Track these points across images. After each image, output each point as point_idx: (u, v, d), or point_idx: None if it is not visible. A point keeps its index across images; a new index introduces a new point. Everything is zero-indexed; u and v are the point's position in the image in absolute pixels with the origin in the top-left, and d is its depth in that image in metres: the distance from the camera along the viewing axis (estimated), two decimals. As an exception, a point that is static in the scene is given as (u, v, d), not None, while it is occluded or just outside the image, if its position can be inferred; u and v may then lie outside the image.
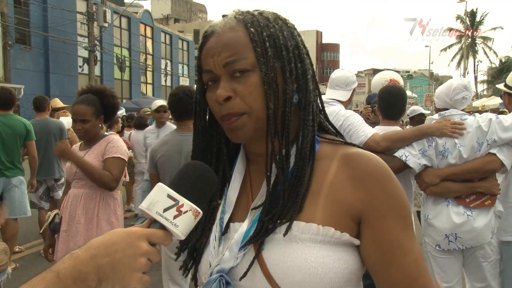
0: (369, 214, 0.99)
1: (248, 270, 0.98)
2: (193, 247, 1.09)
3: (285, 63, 1.03)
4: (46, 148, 6.46)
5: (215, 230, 1.07)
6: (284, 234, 0.96)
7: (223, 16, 1.09)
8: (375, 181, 1.00)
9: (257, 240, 0.99)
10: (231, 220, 1.07)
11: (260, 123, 1.02)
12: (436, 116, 3.30)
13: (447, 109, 3.27)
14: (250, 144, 1.10)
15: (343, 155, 1.05)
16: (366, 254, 1.01)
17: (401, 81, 5.16)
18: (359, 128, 3.42)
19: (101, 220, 3.38)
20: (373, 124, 4.07)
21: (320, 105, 1.14)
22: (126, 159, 3.52)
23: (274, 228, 0.98)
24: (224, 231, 1.06)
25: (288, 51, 1.04)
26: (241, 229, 1.02)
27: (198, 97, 1.12)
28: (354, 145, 1.11)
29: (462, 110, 3.28)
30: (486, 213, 3.08)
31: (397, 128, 3.60)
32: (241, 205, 1.09)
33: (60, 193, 6.66)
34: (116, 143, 3.48)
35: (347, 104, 3.96)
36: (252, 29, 1.02)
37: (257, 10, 1.09)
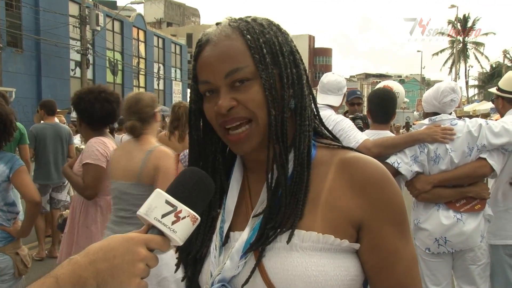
0: (369, 221, 0.99)
1: (249, 278, 0.98)
2: (193, 257, 1.09)
3: (282, 69, 1.03)
4: (56, 152, 6.56)
5: (215, 240, 1.06)
6: (287, 242, 0.96)
7: (217, 24, 1.08)
8: (374, 187, 1.00)
9: (257, 247, 0.98)
10: (231, 229, 1.07)
11: (264, 130, 1.02)
12: (426, 121, 3.32)
13: (436, 113, 3.30)
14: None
15: (341, 160, 1.05)
16: (363, 260, 1.02)
17: (395, 88, 5.13)
18: (350, 133, 3.44)
19: (81, 226, 3.35)
20: (360, 119, 4.12)
21: (314, 109, 1.14)
22: (100, 163, 3.29)
23: (275, 236, 0.98)
24: (225, 241, 1.05)
25: (284, 56, 1.04)
26: (241, 237, 1.02)
27: (193, 107, 1.10)
28: (351, 149, 1.11)
29: (451, 113, 3.31)
30: (476, 216, 3.10)
31: (387, 133, 3.63)
32: (241, 214, 1.08)
33: (61, 194, 6.69)
34: (89, 148, 3.36)
35: (337, 109, 3.96)
36: (248, 36, 1.02)
37: (249, 17, 1.09)
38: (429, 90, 3.54)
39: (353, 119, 4.46)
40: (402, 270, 1.01)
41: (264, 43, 1.02)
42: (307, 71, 1.13)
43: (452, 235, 3.08)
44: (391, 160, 3.15)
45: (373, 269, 1.02)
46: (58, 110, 8.47)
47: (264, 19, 1.09)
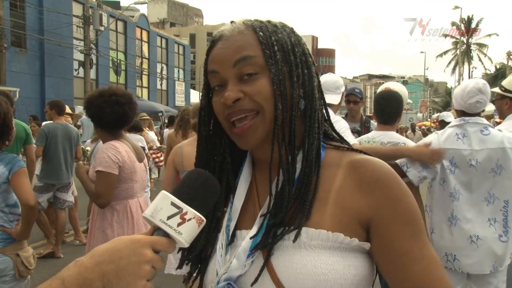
0: (377, 221, 0.99)
1: (258, 277, 0.97)
2: (198, 256, 1.08)
3: (293, 67, 1.04)
4: (66, 152, 6.61)
5: (222, 238, 1.06)
6: (294, 241, 0.96)
7: (232, 22, 1.10)
8: (382, 187, 0.99)
9: (265, 246, 0.98)
10: (237, 227, 1.06)
11: (270, 125, 1.01)
12: (457, 121, 3.16)
13: (464, 112, 3.14)
14: (258, 150, 1.09)
15: (350, 161, 1.04)
16: (377, 262, 1.01)
17: (397, 89, 5.12)
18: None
19: (97, 230, 3.36)
20: (357, 133, 4.14)
21: (325, 114, 1.13)
22: (111, 170, 3.24)
23: (282, 235, 0.97)
24: (231, 239, 1.05)
25: (295, 56, 1.05)
26: (248, 236, 1.01)
27: (203, 102, 1.11)
28: (360, 151, 1.10)
29: (483, 111, 3.18)
30: (495, 242, 2.95)
31: (393, 133, 3.62)
32: (248, 212, 1.08)
33: (67, 194, 6.71)
34: (100, 154, 3.32)
35: (336, 108, 3.99)
36: (261, 32, 1.04)
37: (264, 19, 1.11)
38: (458, 87, 3.36)
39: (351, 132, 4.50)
40: (421, 270, 0.97)
41: (276, 41, 1.04)
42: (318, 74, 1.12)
43: (462, 254, 2.96)
44: (401, 162, 3.09)
45: (388, 271, 1.00)
46: (70, 112, 8.55)
47: (278, 21, 1.11)
